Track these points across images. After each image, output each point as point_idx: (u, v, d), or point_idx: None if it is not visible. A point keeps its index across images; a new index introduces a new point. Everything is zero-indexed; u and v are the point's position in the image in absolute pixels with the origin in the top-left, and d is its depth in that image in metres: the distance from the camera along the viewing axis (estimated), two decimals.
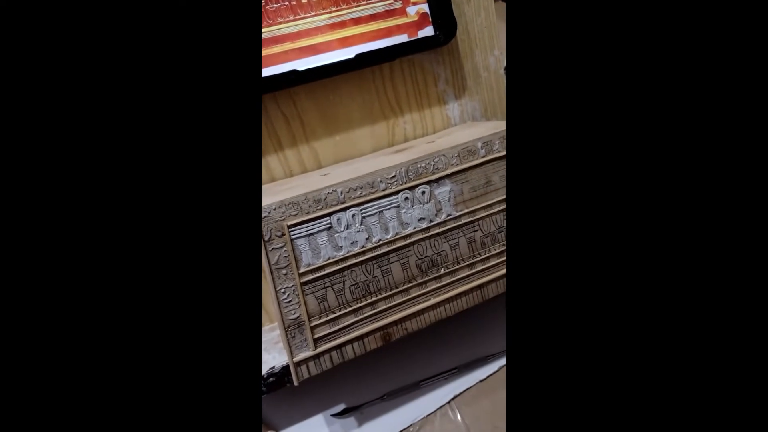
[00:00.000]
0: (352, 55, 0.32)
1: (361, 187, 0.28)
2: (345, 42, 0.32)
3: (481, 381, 0.37)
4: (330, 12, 0.31)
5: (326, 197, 0.27)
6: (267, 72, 0.30)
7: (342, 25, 0.32)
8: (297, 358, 0.27)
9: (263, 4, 0.30)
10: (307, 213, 0.27)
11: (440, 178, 0.29)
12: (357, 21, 0.32)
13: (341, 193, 0.27)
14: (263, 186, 0.32)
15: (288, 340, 0.27)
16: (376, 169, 0.28)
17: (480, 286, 0.31)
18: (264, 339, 0.34)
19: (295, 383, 0.28)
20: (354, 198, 0.27)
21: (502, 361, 0.38)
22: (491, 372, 0.37)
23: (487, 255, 0.31)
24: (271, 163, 0.33)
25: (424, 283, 0.29)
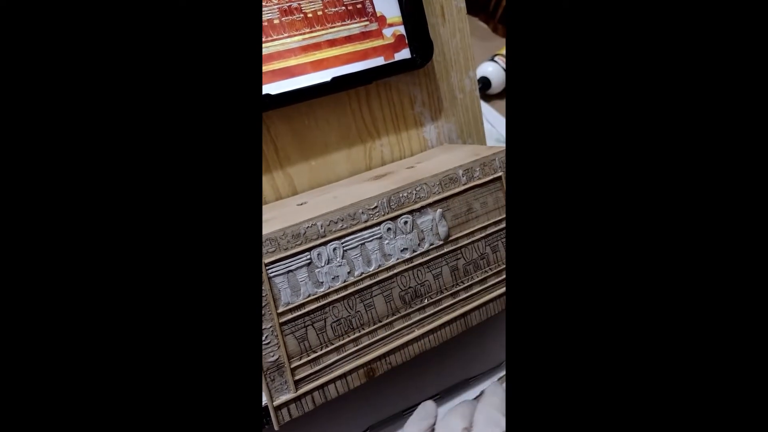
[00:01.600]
0: (328, 78, 0.31)
1: (342, 219, 0.26)
2: (320, 65, 0.31)
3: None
4: (304, 33, 0.30)
5: (306, 231, 0.26)
6: None
7: (317, 47, 0.31)
8: (277, 402, 0.26)
9: None
10: (286, 249, 0.25)
11: (422, 207, 0.28)
12: (332, 43, 0.31)
13: (321, 226, 0.26)
14: None
15: (267, 383, 0.25)
16: (357, 199, 0.27)
17: (463, 315, 0.30)
18: None
19: (276, 428, 0.26)
20: (335, 231, 0.26)
21: (484, 385, 0.37)
22: (473, 396, 0.37)
23: (470, 282, 0.30)
24: None
25: (408, 315, 0.29)
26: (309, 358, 0.26)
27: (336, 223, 0.26)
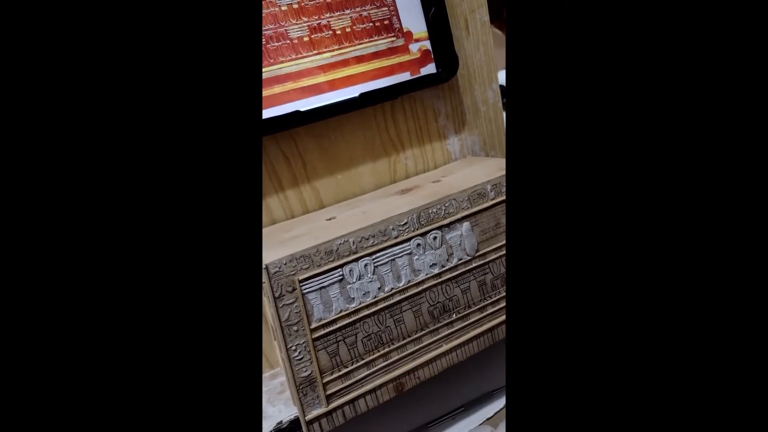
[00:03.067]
0: (356, 94, 0.31)
1: (374, 236, 0.27)
2: (348, 81, 0.31)
3: (488, 419, 0.36)
4: (332, 50, 0.30)
5: (338, 248, 0.26)
6: (269, 113, 0.29)
7: (345, 63, 0.31)
8: (309, 416, 0.26)
9: (264, 43, 0.29)
10: (319, 266, 0.26)
11: (451, 223, 0.29)
12: (360, 59, 0.31)
13: (353, 243, 0.26)
14: (264, 230, 0.31)
15: (300, 398, 0.26)
16: (386, 215, 0.27)
17: (490, 329, 0.30)
18: (265, 389, 0.32)
19: None
20: (366, 247, 0.27)
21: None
22: (498, 409, 0.37)
23: (497, 297, 0.30)
24: (271, 204, 0.32)
25: (436, 329, 0.29)
26: (340, 372, 0.26)
27: (367, 239, 0.27)
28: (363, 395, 0.27)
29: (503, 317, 0.31)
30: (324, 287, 0.26)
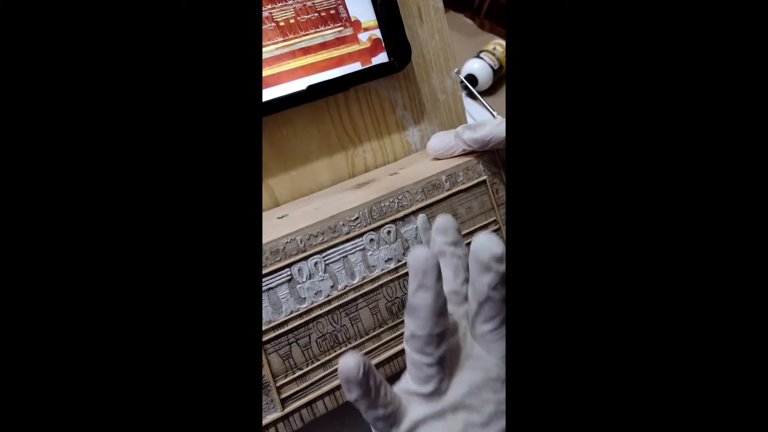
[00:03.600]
0: (303, 87, 0.30)
1: (323, 233, 0.26)
2: (295, 73, 0.30)
3: None
4: (277, 43, 0.29)
5: (284, 247, 0.25)
6: None
7: (291, 55, 0.30)
8: (265, 421, 0.25)
9: None
10: (265, 266, 0.25)
11: (406, 216, 0.28)
12: (306, 51, 0.30)
13: (301, 240, 0.25)
14: None
15: None
16: (339, 210, 0.26)
17: None
18: None
19: None
20: (315, 245, 0.26)
21: None
22: None
23: None
24: None
25: (396, 326, 0.28)
26: (295, 375, 0.26)
27: (316, 236, 0.26)
28: (321, 397, 0.26)
29: None
30: (271, 288, 0.25)
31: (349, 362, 0.21)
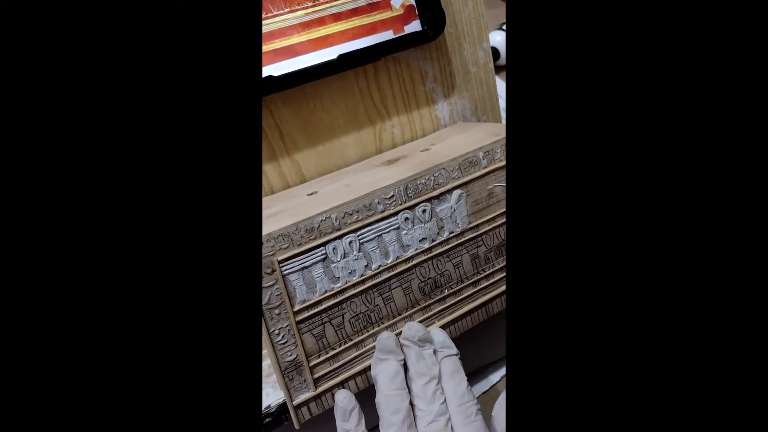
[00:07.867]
0: (334, 56, 0.28)
1: (358, 211, 0.25)
2: (324, 41, 0.28)
3: (484, 392, 0.36)
4: (306, 8, 0.28)
5: (320, 225, 0.24)
6: None
7: (320, 22, 0.28)
8: (297, 401, 0.25)
9: None
10: (299, 245, 0.24)
11: (442, 194, 0.27)
12: (337, 17, 0.28)
13: (336, 219, 0.24)
14: None
15: (286, 383, 0.25)
16: (372, 188, 0.25)
17: (484, 304, 0.29)
18: None
19: (296, 426, 0.26)
20: (350, 223, 0.25)
21: (503, 371, 0.37)
22: (494, 382, 0.36)
23: (491, 270, 0.29)
24: None
25: (428, 306, 0.27)
26: (328, 355, 0.25)
27: (351, 215, 0.25)
28: (353, 377, 0.26)
29: (498, 291, 0.29)
30: (306, 267, 0.24)
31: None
